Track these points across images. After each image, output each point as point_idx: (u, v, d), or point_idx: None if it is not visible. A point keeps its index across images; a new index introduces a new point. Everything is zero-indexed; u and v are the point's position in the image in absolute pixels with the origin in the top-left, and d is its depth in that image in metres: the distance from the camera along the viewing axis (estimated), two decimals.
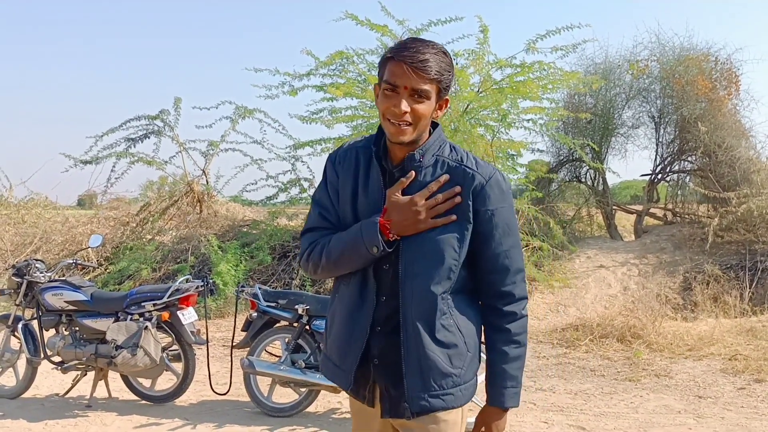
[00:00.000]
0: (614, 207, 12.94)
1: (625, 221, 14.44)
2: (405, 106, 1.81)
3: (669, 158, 12.74)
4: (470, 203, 1.87)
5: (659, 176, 12.89)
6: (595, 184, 13.12)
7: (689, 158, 12.45)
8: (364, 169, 1.99)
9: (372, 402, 1.99)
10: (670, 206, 12.95)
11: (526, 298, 1.99)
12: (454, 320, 1.91)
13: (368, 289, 1.94)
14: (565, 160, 13.15)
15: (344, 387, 2.00)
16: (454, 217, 1.87)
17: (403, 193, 1.88)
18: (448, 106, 1.98)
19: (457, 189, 1.87)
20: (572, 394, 5.61)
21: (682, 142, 12.23)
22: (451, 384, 1.90)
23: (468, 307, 1.96)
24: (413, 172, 1.89)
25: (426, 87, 1.81)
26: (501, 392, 1.94)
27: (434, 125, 1.97)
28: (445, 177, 1.88)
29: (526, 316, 1.98)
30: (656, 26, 23.32)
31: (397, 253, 1.89)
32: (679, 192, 12.93)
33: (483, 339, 2.04)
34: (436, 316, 1.87)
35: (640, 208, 12.79)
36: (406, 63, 1.79)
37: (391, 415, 1.95)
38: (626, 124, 13.01)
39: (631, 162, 22.51)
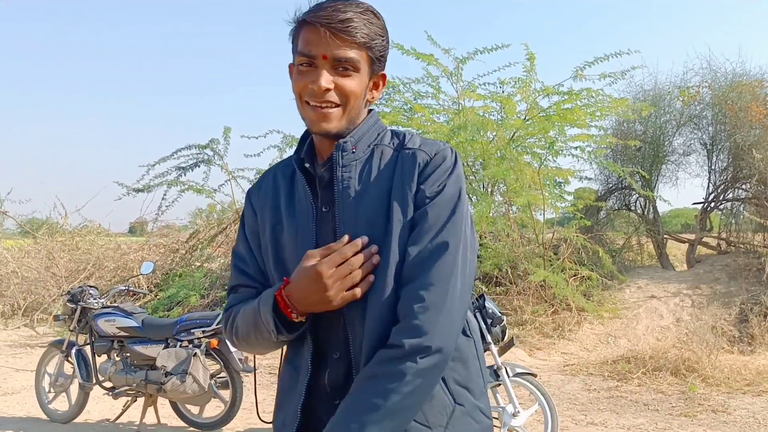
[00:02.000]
0: (665, 236, 12.66)
1: (676, 251, 14.10)
2: (326, 80, 1.34)
3: (722, 186, 12.43)
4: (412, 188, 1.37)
5: (712, 204, 12.58)
6: (646, 213, 12.87)
7: (743, 186, 12.12)
8: (286, 190, 1.50)
9: None
10: (723, 235, 12.59)
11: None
12: None
13: (304, 348, 1.41)
14: (614, 187, 12.96)
15: None
16: (372, 278, 1.33)
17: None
18: (386, 83, 1.51)
19: (374, 248, 1.33)
20: (625, 429, 5.45)
21: (735, 169, 11.93)
22: None
23: None
24: (346, 237, 1.33)
25: (352, 54, 1.35)
26: None
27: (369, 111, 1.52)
28: (364, 239, 1.34)
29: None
30: (707, 52, 22.93)
31: None
32: (733, 221, 12.56)
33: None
34: None
35: (692, 237, 12.48)
36: (323, 25, 1.33)
37: None
38: (677, 151, 12.79)
39: (682, 190, 22.09)
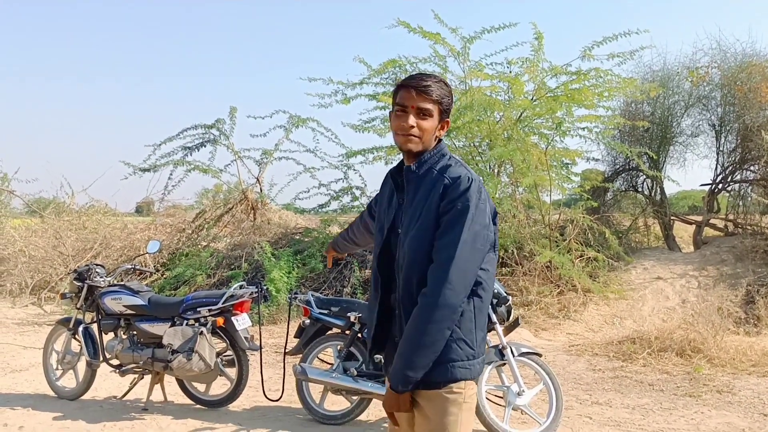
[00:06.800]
0: (672, 217, 12.62)
1: (683, 232, 14.06)
2: (412, 121, 2.15)
3: (730, 167, 12.37)
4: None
5: (720, 186, 12.52)
6: (653, 194, 12.83)
7: (752, 167, 12.07)
8: (390, 185, 2.42)
9: None
10: (731, 217, 12.55)
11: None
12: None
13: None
14: (621, 169, 12.91)
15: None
16: None
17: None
18: (449, 126, 2.29)
19: None
20: (629, 408, 5.46)
21: (744, 150, 11.87)
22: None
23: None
24: None
25: (429, 106, 2.16)
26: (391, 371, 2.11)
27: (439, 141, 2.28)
28: None
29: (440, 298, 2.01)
30: (717, 32, 22.71)
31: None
32: (740, 202, 12.52)
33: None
34: None
35: (699, 218, 12.44)
36: (413, 87, 2.16)
37: None
38: (685, 132, 12.74)
39: (690, 171, 22.01)
